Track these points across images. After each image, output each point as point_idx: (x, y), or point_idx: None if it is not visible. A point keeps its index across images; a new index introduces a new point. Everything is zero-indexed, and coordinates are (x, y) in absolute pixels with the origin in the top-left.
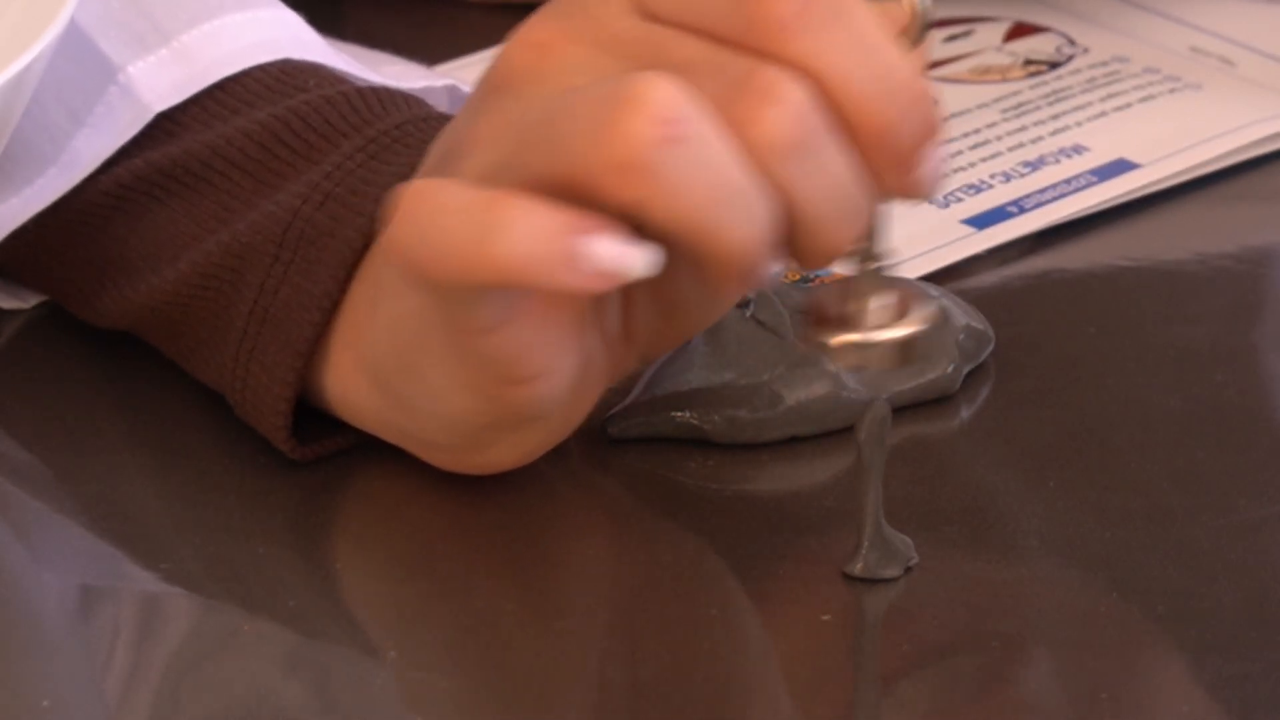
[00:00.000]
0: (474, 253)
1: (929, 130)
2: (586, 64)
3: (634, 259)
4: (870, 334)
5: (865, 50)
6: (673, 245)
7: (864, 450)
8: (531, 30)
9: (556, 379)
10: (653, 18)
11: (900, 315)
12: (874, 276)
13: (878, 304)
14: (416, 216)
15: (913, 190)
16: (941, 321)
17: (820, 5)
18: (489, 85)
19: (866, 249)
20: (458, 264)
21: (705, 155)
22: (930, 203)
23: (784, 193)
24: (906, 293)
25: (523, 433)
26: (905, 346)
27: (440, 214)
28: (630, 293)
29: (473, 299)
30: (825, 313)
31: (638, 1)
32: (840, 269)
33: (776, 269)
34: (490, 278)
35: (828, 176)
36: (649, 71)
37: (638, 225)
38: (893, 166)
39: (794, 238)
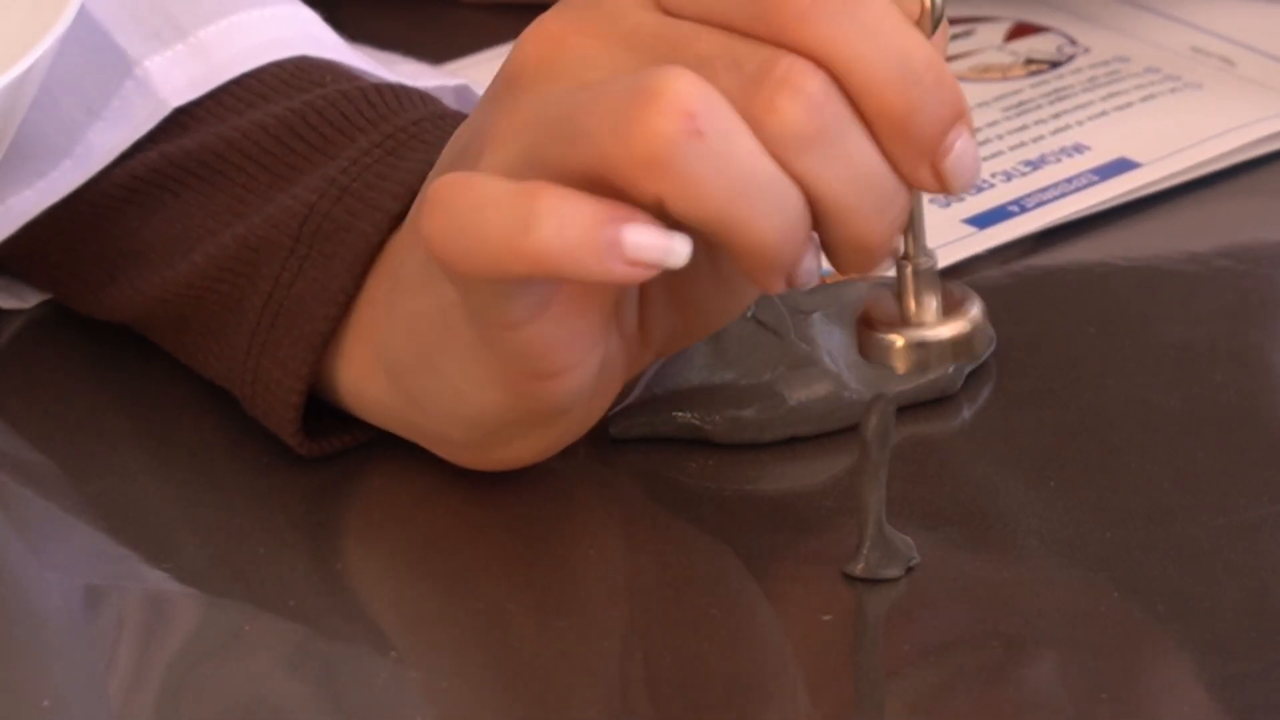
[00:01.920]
0: (512, 244)
1: (954, 114)
2: (601, 59)
3: (671, 248)
4: (925, 333)
5: (882, 35)
6: (703, 238)
7: (870, 447)
8: (546, 24)
9: (582, 373)
10: (667, 11)
11: (949, 313)
12: (920, 276)
13: (928, 303)
14: (450, 209)
15: (946, 181)
16: (985, 320)
17: None
18: (504, 79)
19: (909, 249)
20: (495, 256)
21: (727, 148)
22: (931, 202)
23: (807, 183)
24: (951, 291)
25: (542, 429)
26: (960, 343)
27: (475, 206)
28: (647, 290)
29: (503, 293)
30: (877, 316)
31: None
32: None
33: (819, 268)
34: (528, 269)
35: (851, 166)
36: (668, 66)
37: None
38: (919, 153)
39: (825, 230)
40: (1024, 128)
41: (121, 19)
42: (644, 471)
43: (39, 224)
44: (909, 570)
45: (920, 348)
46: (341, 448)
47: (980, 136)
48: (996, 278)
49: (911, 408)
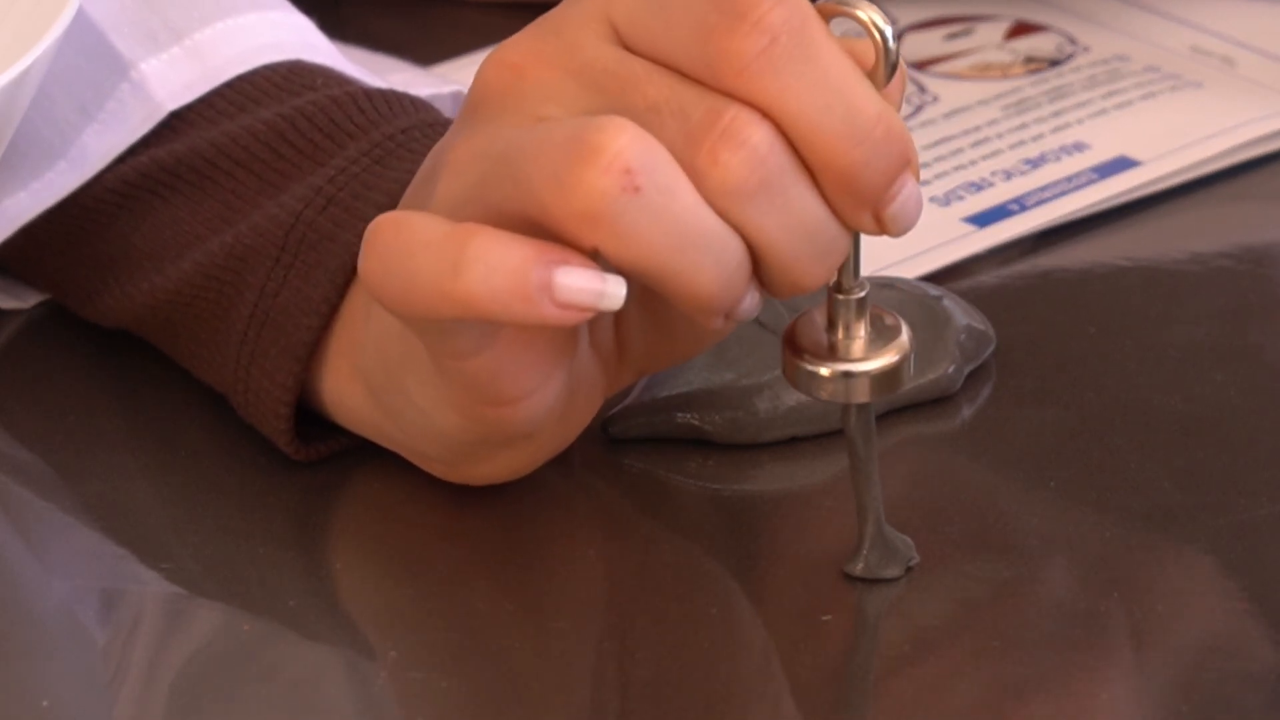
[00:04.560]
0: (441, 288)
1: (899, 167)
2: (557, 92)
3: (605, 291)
4: (850, 366)
5: (831, 89)
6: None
7: (856, 443)
8: (507, 51)
9: (540, 399)
10: (625, 45)
11: (877, 344)
12: (849, 307)
13: (853, 335)
14: (384, 250)
15: (887, 227)
16: (913, 351)
17: (784, 44)
18: (468, 107)
19: (841, 280)
20: (425, 299)
21: (664, 203)
22: (931, 201)
23: (748, 232)
24: (882, 323)
25: (513, 449)
26: (884, 376)
27: (407, 248)
28: (622, 311)
29: (447, 328)
30: (801, 344)
31: (613, 28)
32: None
33: (759, 304)
34: (458, 312)
35: (793, 216)
36: (610, 117)
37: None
38: (863, 205)
39: (764, 274)
40: (1024, 126)
41: (118, 21)
42: (643, 472)
43: (33, 228)
44: (909, 570)
45: (844, 379)
46: (338, 449)
47: (980, 135)
48: (996, 278)
49: (911, 408)
